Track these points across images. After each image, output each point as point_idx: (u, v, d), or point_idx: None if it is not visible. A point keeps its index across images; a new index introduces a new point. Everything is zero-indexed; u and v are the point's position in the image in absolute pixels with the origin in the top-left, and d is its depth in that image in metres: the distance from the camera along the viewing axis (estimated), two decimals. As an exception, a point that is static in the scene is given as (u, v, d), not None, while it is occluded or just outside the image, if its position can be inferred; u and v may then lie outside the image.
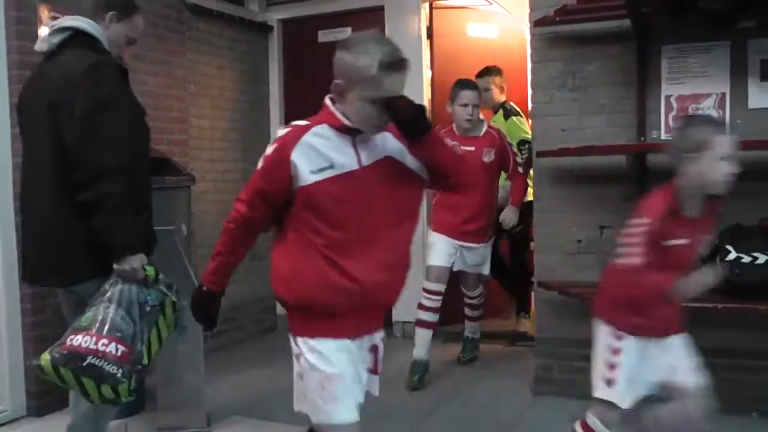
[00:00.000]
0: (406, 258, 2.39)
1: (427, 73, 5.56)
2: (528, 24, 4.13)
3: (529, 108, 4.32)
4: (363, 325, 2.35)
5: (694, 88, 3.75)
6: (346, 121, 2.20)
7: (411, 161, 2.26)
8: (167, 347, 2.86)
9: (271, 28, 5.97)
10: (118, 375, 2.46)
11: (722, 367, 3.70)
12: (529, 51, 4.38)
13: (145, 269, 2.64)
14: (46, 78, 2.72)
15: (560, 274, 4.02)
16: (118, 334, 2.51)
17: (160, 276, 2.69)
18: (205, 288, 2.38)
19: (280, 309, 5.97)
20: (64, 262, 2.70)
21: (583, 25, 3.90)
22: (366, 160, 2.20)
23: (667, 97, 3.80)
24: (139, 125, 2.83)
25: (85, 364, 2.45)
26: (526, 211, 4.74)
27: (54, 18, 3.98)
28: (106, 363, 2.45)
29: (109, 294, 2.59)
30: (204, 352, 3.67)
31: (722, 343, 3.70)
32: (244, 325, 5.60)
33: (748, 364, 3.67)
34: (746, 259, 3.31)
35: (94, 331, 2.50)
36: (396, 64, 2.23)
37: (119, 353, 2.47)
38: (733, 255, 3.33)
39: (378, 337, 2.45)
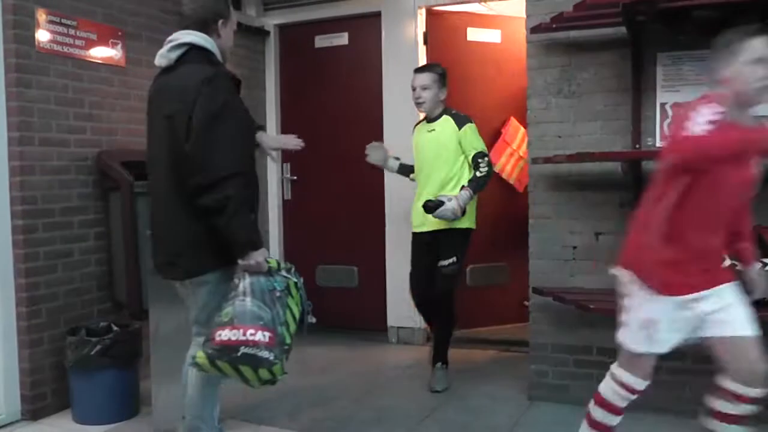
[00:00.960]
0: None
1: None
2: (524, 30, 4.14)
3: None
4: None
5: (689, 95, 3.75)
6: None
7: None
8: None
9: (267, 33, 5.98)
10: (271, 358, 2.72)
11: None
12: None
13: (267, 261, 2.86)
14: (165, 90, 2.94)
15: (555, 280, 4.03)
16: (261, 322, 2.75)
17: (282, 263, 2.94)
18: None
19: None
20: (181, 257, 2.93)
21: (579, 32, 3.92)
22: None
23: (662, 105, 3.81)
24: (249, 133, 3.06)
25: (239, 354, 2.70)
26: (462, 239, 4.40)
27: (51, 21, 4.00)
28: (258, 350, 2.71)
29: (241, 288, 2.83)
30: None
31: (716, 350, 3.71)
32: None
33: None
34: (740, 266, 3.31)
35: (237, 323, 2.74)
36: None
37: (267, 339, 2.73)
38: (727, 262, 3.34)
39: None
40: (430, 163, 4.42)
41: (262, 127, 3.53)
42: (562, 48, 3.99)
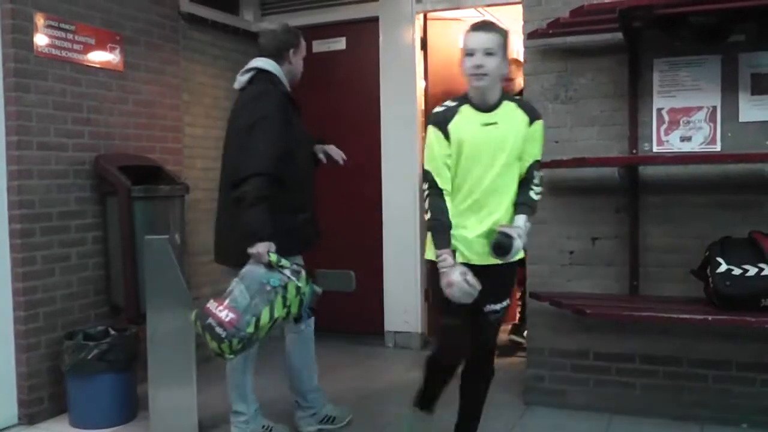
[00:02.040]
0: None
1: (421, 84, 5.58)
2: (521, 36, 4.15)
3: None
4: None
5: (685, 101, 3.77)
6: None
7: None
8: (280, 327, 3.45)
9: (265, 37, 5.99)
10: (222, 335, 3.03)
11: (713, 379, 3.74)
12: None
13: (270, 255, 3.14)
14: (234, 108, 3.56)
15: (552, 285, 4.04)
16: (233, 304, 3.07)
17: (286, 262, 3.19)
18: None
19: (272, 318, 5.98)
20: (228, 247, 3.51)
21: (575, 38, 3.93)
22: None
23: (659, 110, 3.83)
24: (300, 146, 3.53)
25: (206, 322, 3.06)
26: (515, 275, 3.23)
27: (49, 26, 4.01)
28: (217, 325, 3.04)
29: (243, 271, 3.18)
30: (195, 360, 3.67)
31: (713, 355, 3.73)
32: (237, 333, 5.59)
33: (738, 376, 3.69)
34: (737, 271, 3.33)
35: (222, 298, 3.10)
36: None
37: (228, 319, 3.04)
38: (723, 267, 3.36)
39: None
40: (493, 175, 2.93)
41: (322, 141, 3.88)
42: (558, 53, 4.01)
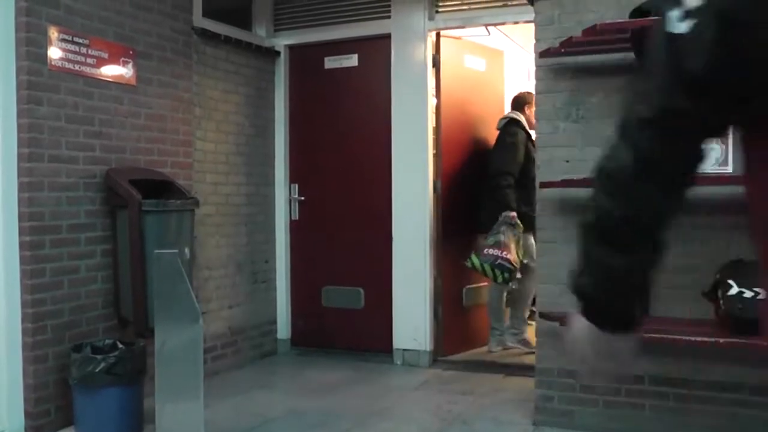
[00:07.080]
0: None
1: (432, 101, 5.59)
2: (533, 54, 4.16)
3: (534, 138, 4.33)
4: None
5: (697, 121, 3.75)
6: None
7: None
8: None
9: (278, 53, 6.01)
10: (511, 268, 5.16)
11: (724, 402, 3.70)
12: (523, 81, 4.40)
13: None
14: (498, 139, 5.68)
15: (562, 305, 4.01)
16: (506, 248, 5.16)
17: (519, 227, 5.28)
18: None
19: (280, 333, 5.97)
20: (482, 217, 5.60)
21: (587, 57, 3.93)
22: None
23: (671, 131, 3.81)
24: (530, 164, 4.98)
25: (497, 262, 5.13)
26: None
27: (63, 39, 4.04)
28: (505, 262, 5.13)
29: (501, 228, 5.25)
30: (203, 375, 3.66)
31: (724, 378, 3.69)
32: (243, 349, 5.58)
33: (749, 399, 3.65)
34: (748, 294, 3.29)
35: (496, 246, 5.18)
36: None
37: (509, 257, 5.13)
38: (735, 290, 3.33)
39: None
40: None
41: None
42: (570, 72, 4.00)
